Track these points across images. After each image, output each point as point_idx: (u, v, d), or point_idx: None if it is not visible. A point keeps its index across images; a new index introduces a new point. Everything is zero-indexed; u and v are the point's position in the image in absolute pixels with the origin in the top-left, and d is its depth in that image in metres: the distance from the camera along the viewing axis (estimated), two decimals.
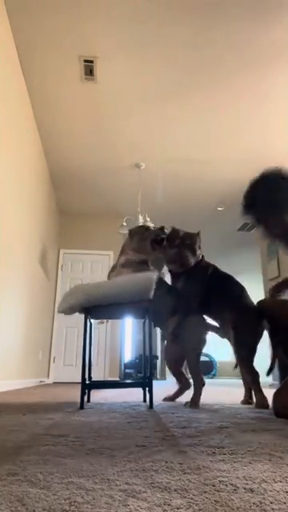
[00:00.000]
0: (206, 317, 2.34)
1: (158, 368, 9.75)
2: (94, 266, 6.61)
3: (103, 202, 6.44)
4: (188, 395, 2.65)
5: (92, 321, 2.46)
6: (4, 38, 3.06)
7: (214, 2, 2.94)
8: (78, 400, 2.37)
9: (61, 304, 2.04)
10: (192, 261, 2.37)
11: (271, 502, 0.56)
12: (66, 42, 3.31)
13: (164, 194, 6.11)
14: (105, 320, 6.27)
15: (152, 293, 2.01)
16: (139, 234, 2.48)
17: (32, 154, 4.30)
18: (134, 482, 0.65)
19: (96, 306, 2.00)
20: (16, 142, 3.58)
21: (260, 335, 2.16)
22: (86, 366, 2.00)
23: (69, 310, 2.02)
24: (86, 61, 3.49)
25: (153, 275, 2.01)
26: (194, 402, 2.04)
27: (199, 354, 2.14)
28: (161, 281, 2.35)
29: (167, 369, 12.85)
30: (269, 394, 2.66)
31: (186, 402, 2.11)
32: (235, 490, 0.62)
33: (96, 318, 2.43)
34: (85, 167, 5.35)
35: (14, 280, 3.75)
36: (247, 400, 2.25)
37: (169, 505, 0.55)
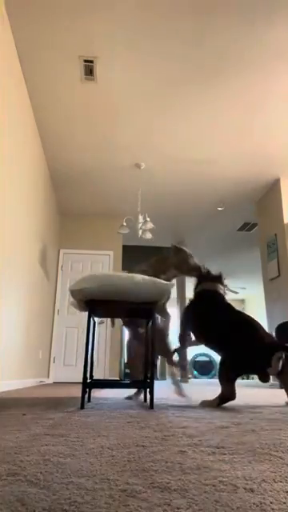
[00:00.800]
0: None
1: (158, 368, 9.75)
2: (94, 266, 6.61)
3: (103, 202, 6.44)
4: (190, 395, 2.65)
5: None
6: (4, 38, 3.06)
7: (214, 2, 2.94)
8: (79, 400, 2.37)
9: (74, 284, 2.03)
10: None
11: (271, 502, 0.56)
12: (66, 42, 3.31)
13: (164, 194, 6.11)
14: (105, 320, 6.27)
15: (166, 298, 2.07)
16: (184, 254, 2.67)
17: (32, 153, 4.29)
18: (134, 482, 0.65)
19: (101, 301, 2.00)
20: (16, 141, 3.58)
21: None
22: (88, 364, 2.00)
23: (78, 294, 2.01)
24: (85, 61, 3.49)
25: (171, 285, 2.08)
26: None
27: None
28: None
29: (167, 369, 12.89)
30: (269, 393, 2.66)
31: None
32: (235, 490, 0.62)
33: (99, 315, 2.43)
34: (85, 167, 5.35)
35: (14, 280, 3.75)
36: None
37: (169, 505, 0.55)
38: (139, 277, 2.02)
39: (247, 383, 6.84)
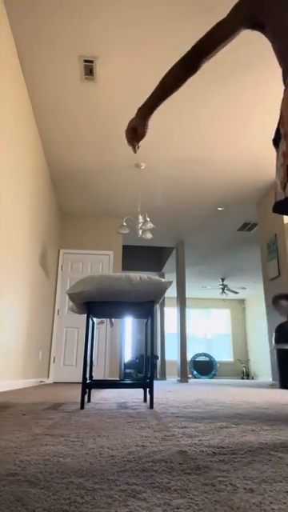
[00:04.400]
0: None
1: (158, 368, 9.75)
2: (94, 266, 6.61)
3: (103, 202, 6.44)
4: (183, 397, 2.64)
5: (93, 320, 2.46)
6: (4, 38, 3.06)
7: (213, 3, 2.94)
8: (78, 400, 2.37)
9: (72, 287, 2.03)
10: None
11: (271, 502, 0.56)
12: (66, 42, 3.31)
13: (164, 194, 6.11)
14: (105, 320, 6.27)
15: (161, 298, 2.07)
16: None
17: (32, 153, 4.29)
18: (134, 482, 0.65)
19: (100, 302, 2.00)
20: (16, 141, 3.58)
21: None
22: (88, 365, 2.00)
23: (76, 297, 2.01)
24: (86, 61, 3.49)
25: (167, 283, 2.05)
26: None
27: None
28: None
29: (167, 369, 12.83)
30: (268, 393, 2.65)
31: None
32: (235, 490, 0.62)
33: (98, 316, 2.44)
34: (85, 167, 5.35)
35: (15, 280, 3.75)
36: None
37: (169, 505, 0.55)
38: (136, 277, 2.03)
39: (247, 383, 6.84)
